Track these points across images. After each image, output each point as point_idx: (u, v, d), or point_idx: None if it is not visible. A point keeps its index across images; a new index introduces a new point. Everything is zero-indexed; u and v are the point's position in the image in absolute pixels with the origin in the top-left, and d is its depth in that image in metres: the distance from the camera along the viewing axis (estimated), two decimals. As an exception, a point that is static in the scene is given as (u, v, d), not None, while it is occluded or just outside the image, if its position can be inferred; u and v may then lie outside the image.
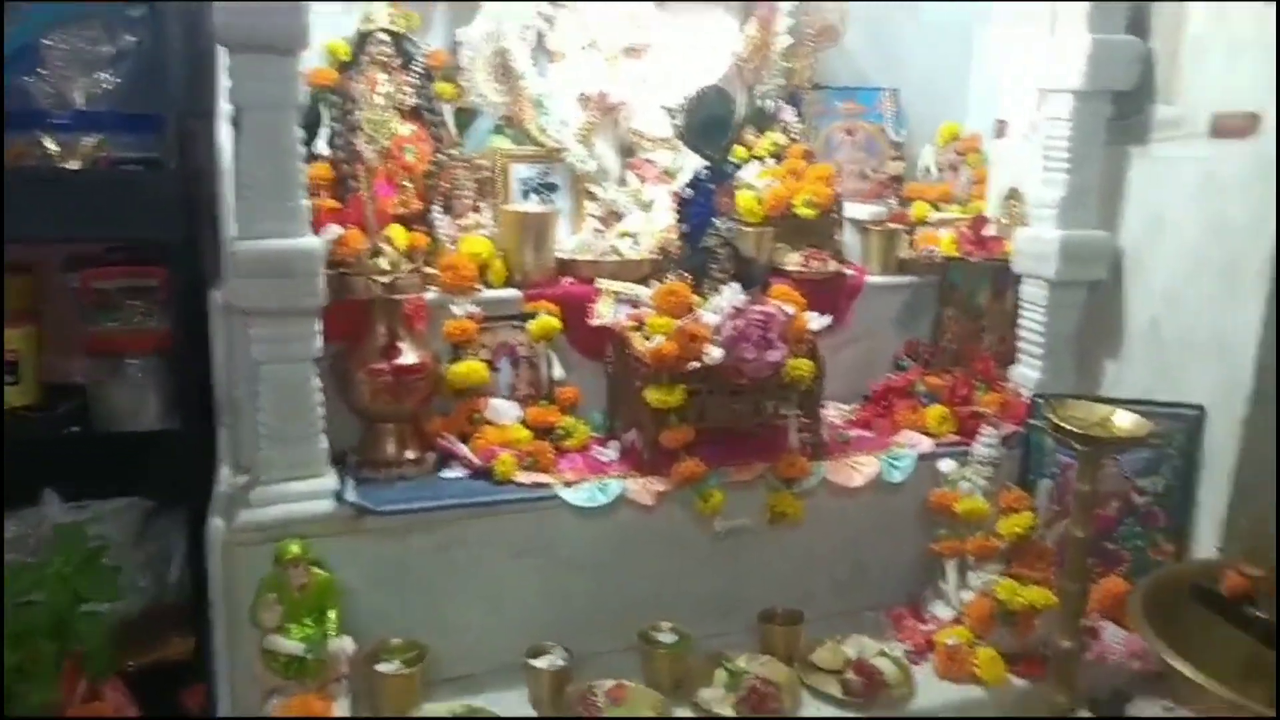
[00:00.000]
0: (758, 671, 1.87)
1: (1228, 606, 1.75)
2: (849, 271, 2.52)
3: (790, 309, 2.05)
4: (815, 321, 2.12)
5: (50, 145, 1.92)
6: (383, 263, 1.94)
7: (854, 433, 2.29)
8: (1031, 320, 2.40)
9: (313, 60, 2.30)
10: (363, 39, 2.42)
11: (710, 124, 2.09)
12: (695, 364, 1.96)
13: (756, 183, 2.48)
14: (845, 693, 1.84)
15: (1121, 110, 2.28)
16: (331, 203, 2.28)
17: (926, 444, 2.21)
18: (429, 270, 2.10)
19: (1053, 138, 2.33)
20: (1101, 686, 1.90)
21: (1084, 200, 2.30)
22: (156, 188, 1.93)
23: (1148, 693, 1.89)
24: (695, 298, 2.08)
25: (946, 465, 2.14)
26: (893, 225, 2.62)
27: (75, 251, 2.09)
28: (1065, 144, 2.29)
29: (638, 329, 2.06)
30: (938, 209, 2.79)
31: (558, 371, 2.22)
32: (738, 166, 2.17)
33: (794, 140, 2.65)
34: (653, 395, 1.95)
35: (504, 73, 2.46)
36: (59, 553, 1.72)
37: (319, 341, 1.86)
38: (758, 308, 1.99)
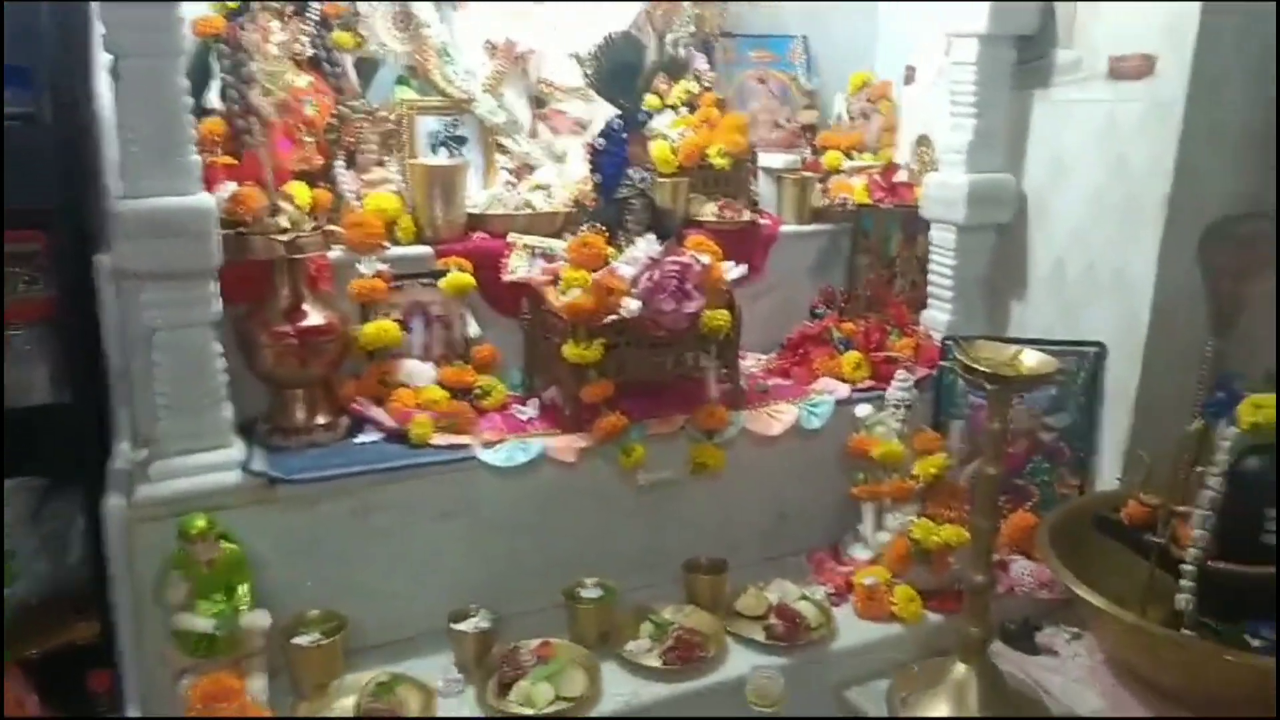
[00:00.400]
0: (683, 622, 1.89)
1: (1129, 535, 1.83)
2: (764, 221, 2.52)
3: (706, 259, 2.03)
4: (732, 271, 2.11)
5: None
6: (283, 221, 1.86)
7: (772, 381, 2.30)
8: (941, 264, 2.44)
9: (199, 8, 2.19)
10: (254, -19, 2.30)
11: (621, 72, 2.04)
12: (612, 317, 1.93)
13: (670, 132, 2.45)
14: (769, 638, 1.87)
15: (1025, 55, 2.31)
16: (226, 159, 2.17)
17: (843, 390, 2.24)
18: (333, 228, 2.01)
19: (959, 83, 2.35)
20: (1013, 617, 1.97)
21: (990, 145, 2.33)
22: (31, 146, 1.81)
23: (1056, 620, 1.97)
24: (610, 250, 2.05)
25: (863, 410, 2.17)
26: (806, 174, 2.62)
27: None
28: (971, 89, 2.32)
29: (553, 283, 2.02)
30: (850, 157, 2.81)
31: (473, 330, 2.16)
32: (650, 115, 2.13)
33: (706, 89, 2.62)
34: (570, 351, 1.92)
35: (405, 20, 2.36)
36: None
37: (217, 305, 1.77)
38: (674, 259, 1.97)
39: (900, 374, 2.15)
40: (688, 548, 2.06)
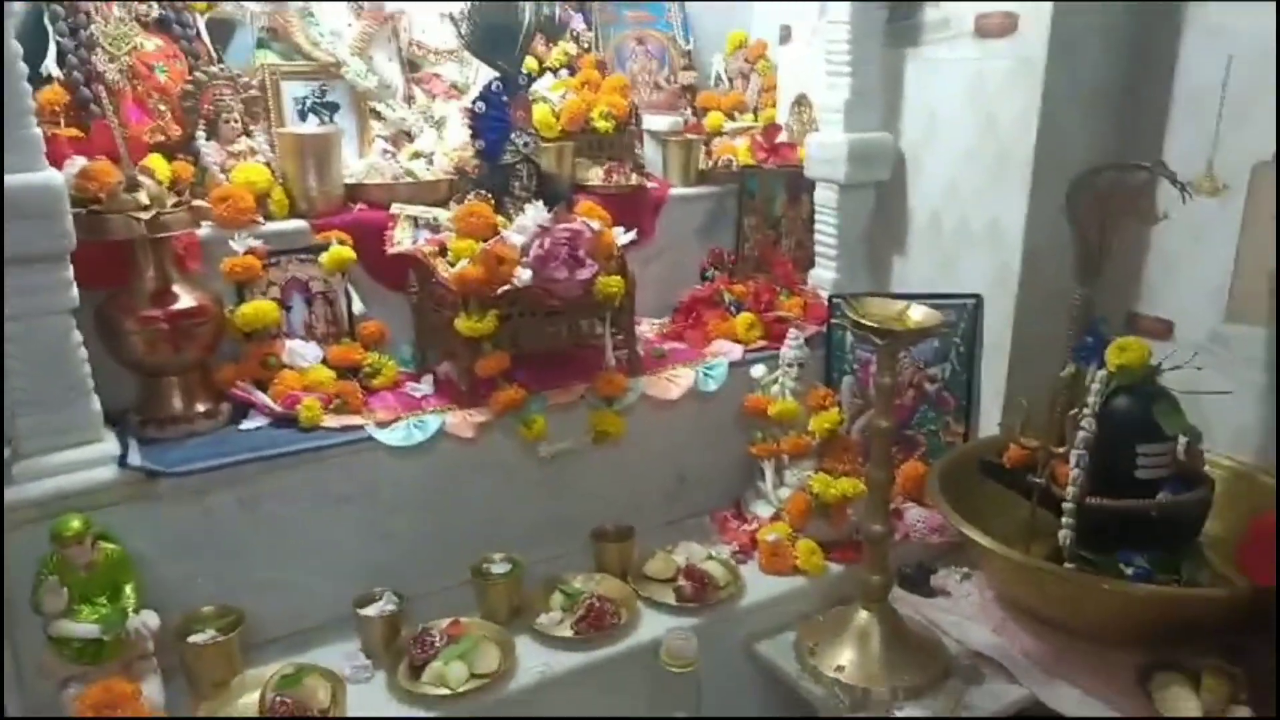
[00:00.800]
0: (593, 590, 1.88)
1: (1011, 477, 1.93)
2: (651, 184, 2.51)
3: (597, 225, 2.01)
4: (623, 237, 2.09)
5: None
6: (142, 197, 1.73)
7: (668, 346, 2.31)
8: (825, 223, 2.49)
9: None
10: (89, -61, 2.11)
11: (497, 32, 1.97)
12: (505, 288, 1.89)
13: (551, 95, 2.40)
14: (679, 599, 1.89)
15: (895, 14, 2.36)
16: (72, 131, 2.02)
17: (737, 351, 2.26)
18: (198, 203, 1.89)
19: (833, 42, 2.38)
20: (908, 562, 2.05)
21: (866, 104, 2.38)
22: None
23: (949, 563, 2.07)
24: (498, 218, 2.00)
25: (757, 370, 2.20)
26: (690, 136, 2.62)
27: None
28: (845, 49, 2.35)
29: (440, 255, 1.96)
30: (732, 119, 2.82)
31: (357, 306, 2.08)
32: (531, 78, 2.08)
33: (585, 51, 2.58)
34: (463, 324, 1.87)
35: (264, -21, 2.22)
36: None
37: (74, 290, 1.63)
38: (564, 225, 1.94)
39: (792, 333, 2.19)
40: (593, 516, 2.06)
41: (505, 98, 2.00)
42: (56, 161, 1.78)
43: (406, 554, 1.90)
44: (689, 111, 2.86)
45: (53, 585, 1.53)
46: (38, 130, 1.56)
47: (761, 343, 2.31)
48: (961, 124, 2.25)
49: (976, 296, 2.24)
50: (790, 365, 2.17)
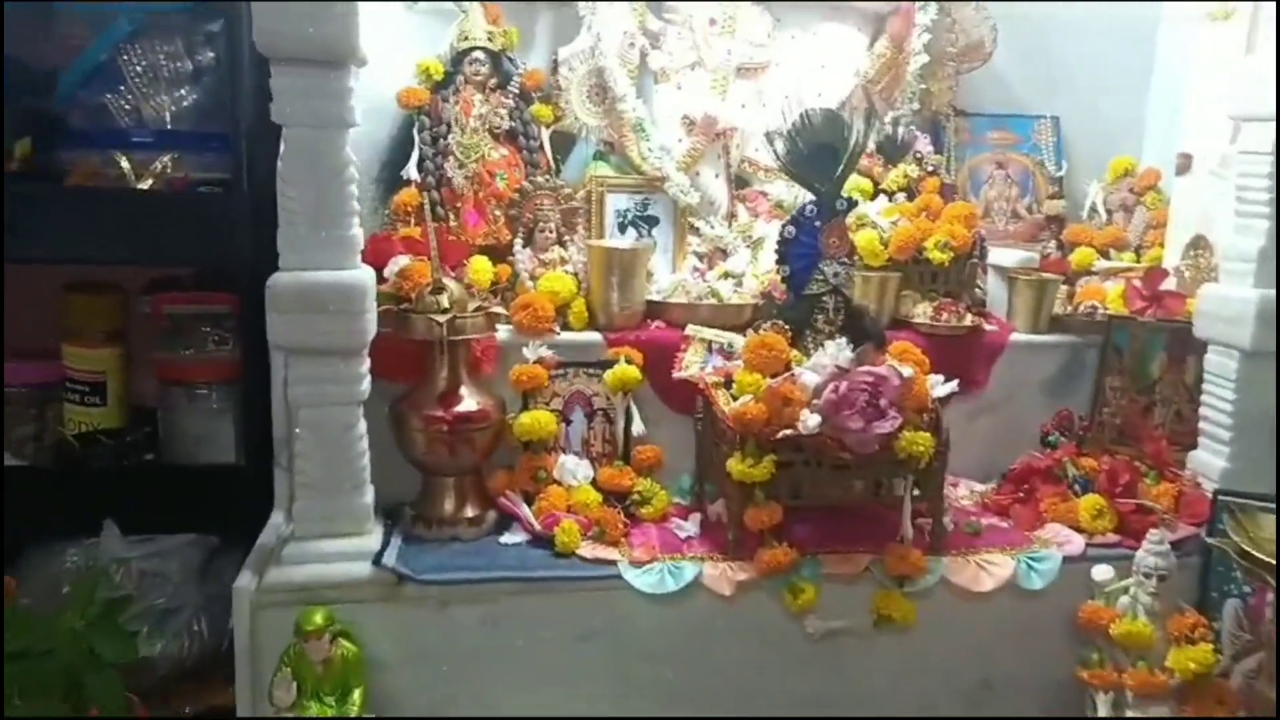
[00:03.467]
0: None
1: None
2: (990, 326, 2.16)
3: (908, 371, 1.72)
4: (941, 387, 1.79)
5: (124, 164, 1.85)
6: (443, 300, 1.75)
7: (986, 521, 1.92)
8: (1217, 396, 1.97)
9: (407, 79, 2.21)
10: (459, 57, 2.28)
11: (817, 152, 1.79)
12: (787, 431, 1.66)
13: (881, 220, 2.16)
14: None
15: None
16: (410, 231, 2.14)
17: (1077, 543, 1.82)
18: (496, 309, 1.88)
19: (1249, 175, 1.93)
20: None
21: (1289, 253, 1.87)
22: (226, 210, 1.84)
23: None
24: (793, 353, 1.78)
25: (1101, 573, 1.74)
26: (1047, 275, 2.24)
27: (156, 274, 2.04)
28: (1266, 184, 1.89)
29: (725, 385, 1.78)
30: (1105, 257, 2.40)
31: (638, 427, 1.95)
32: (852, 202, 1.86)
33: (930, 173, 2.32)
34: (735, 466, 1.66)
35: (601, 93, 2.25)
36: (73, 605, 1.59)
37: (365, 384, 1.67)
38: (867, 370, 1.68)
39: (1155, 532, 1.71)
40: (868, 709, 1.72)
41: (818, 222, 1.80)
42: (384, 259, 1.89)
43: (645, 704, 1.70)
44: (1052, 245, 2.48)
45: (285, 679, 1.53)
46: (356, 231, 1.63)
47: (1112, 537, 1.85)
48: None
49: None
50: (1148, 575, 1.69)
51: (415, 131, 2.27)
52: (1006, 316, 2.22)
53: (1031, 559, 1.78)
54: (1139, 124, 2.53)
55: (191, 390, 1.98)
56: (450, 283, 1.79)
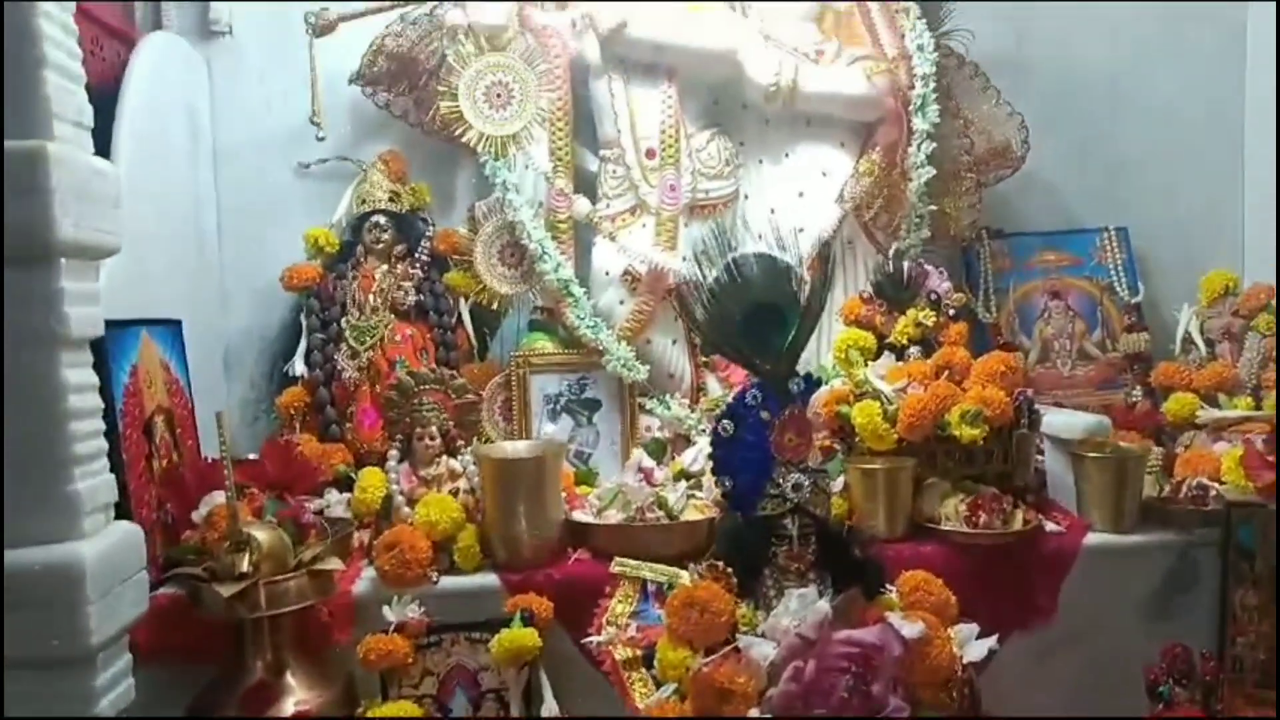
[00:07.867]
0: None
1: None
2: (1052, 526, 1.54)
3: (916, 630, 1.14)
4: (974, 648, 1.19)
5: None
6: (243, 562, 1.26)
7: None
8: None
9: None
10: (358, 223, 1.91)
11: (755, 316, 1.25)
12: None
13: (885, 387, 1.60)
14: None
15: None
16: (307, 437, 1.73)
17: None
18: (330, 566, 1.35)
19: None
20: None
21: None
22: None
23: None
24: (741, 608, 1.21)
25: None
26: (1127, 445, 1.62)
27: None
28: None
29: (644, 664, 1.22)
30: (1212, 404, 1.78)
31: (549, 709, 1.39)
32: (812, 384, 1.28)
33: (951, 318, 1.75)
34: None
35: (516, 254, 1.81)
36: None
37: (115, 696, 1.17)
38: (847, 636, 1.10)
39: None
40: None
41: (766, 414, 1.25)
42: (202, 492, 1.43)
43: None
44: (1136, 392, 1.88)
45: None
46: (78, 487, 1.15)
47: None
48: None
49: None
50: None
51: (303, 317, 1.89)
52: (1077, 509, 1.59)
53: None
54: (1234, 227, 1.99)
55: None
56: (262, 533, 1.30)
